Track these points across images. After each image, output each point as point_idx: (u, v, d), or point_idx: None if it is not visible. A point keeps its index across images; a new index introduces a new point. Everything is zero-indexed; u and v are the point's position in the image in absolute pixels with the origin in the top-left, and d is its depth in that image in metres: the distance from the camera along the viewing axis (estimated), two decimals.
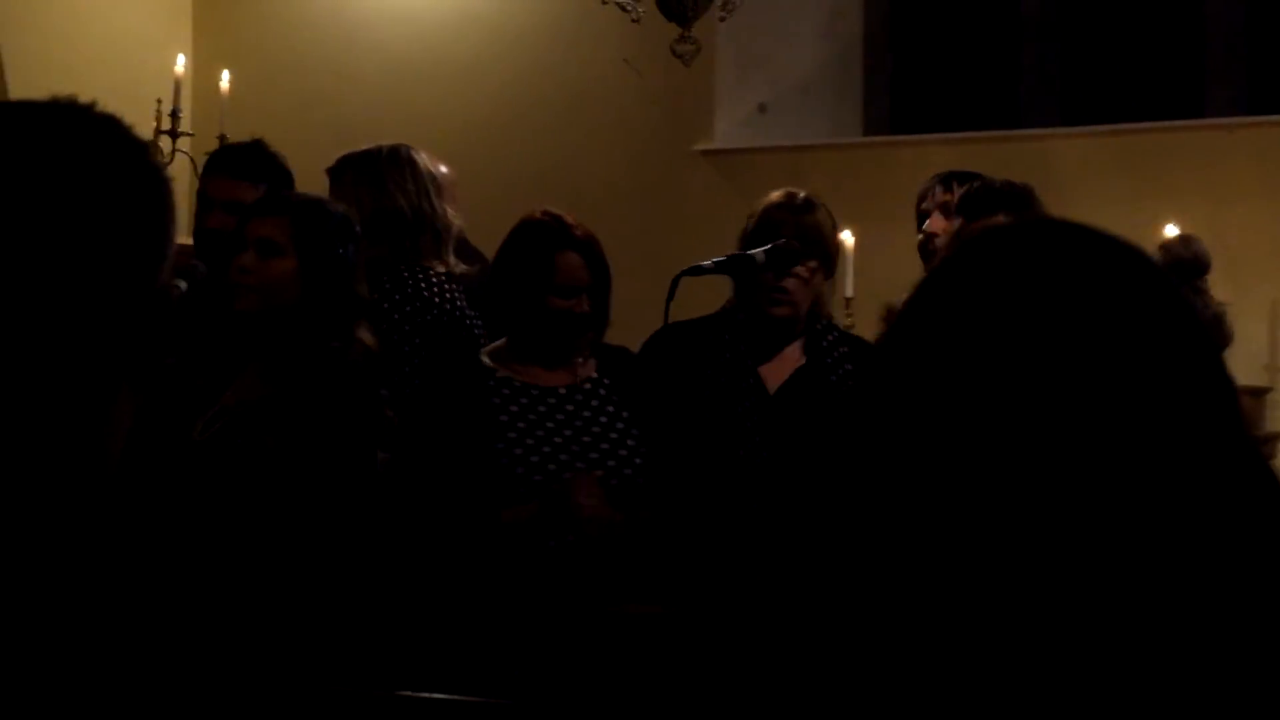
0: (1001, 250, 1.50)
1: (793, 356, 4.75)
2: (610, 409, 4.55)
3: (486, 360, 4.58)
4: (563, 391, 4.54)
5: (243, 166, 5.16)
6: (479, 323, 4.96)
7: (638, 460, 4.48)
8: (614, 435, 4.51)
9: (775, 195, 4.83)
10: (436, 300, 4.92)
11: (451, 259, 5.04)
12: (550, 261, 4.52)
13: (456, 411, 4.49)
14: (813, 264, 4.73)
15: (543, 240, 4.56)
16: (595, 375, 4.60)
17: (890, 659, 1.42)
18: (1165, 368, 1.44)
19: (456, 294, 4.97)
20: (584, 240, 4.57)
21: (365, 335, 4.38)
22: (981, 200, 4.67)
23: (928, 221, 5.31)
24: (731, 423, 4.64)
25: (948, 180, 5.19)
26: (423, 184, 4.99)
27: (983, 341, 1.45)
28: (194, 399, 4.36)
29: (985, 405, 1.43)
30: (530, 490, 4.40)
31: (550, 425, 4.49)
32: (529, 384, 4.54)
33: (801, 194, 4.82)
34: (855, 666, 1.43)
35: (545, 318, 4.53)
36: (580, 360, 4.60)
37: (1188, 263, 4.36)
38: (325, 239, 4.36)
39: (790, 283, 4.68)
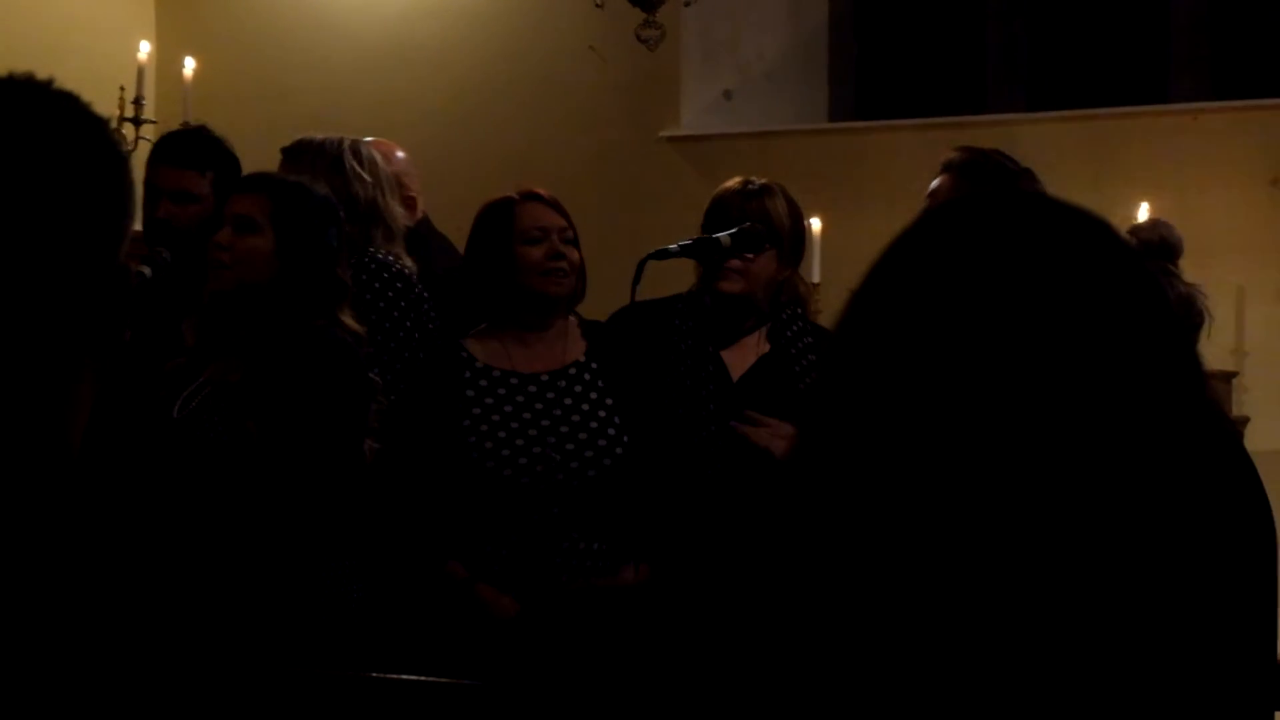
0: (960, 222, 1.47)
1: (757, 344, 4.74)
2: (594, 395, 4.50)
3: (468, 349, 4.55)
4: (545, 378, 4.49)
5: (188, 155, 5.14)
6: (430, 319, 4.95)
7: (618, 450, 4.45)
8: (594, 424, 4.46)
9: (730, 182, 4.82)
10: (414, 280, 4.94)
11: (401, 255, 5.04)
12: (510, 213, 4.53)
13: (431, 404, 4.47)
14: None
15: (501, 203, 4.57)
16: (583, 358, 4.55)
17: (852, 639, 1.40)
18: (1128, 341, 1.41)
19: (410, 289, 4.97)
20: (551, 198, 4.58)
21: (349, 319, 4.36)
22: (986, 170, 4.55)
23: None
24: (693, 408, 4.62)
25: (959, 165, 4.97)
26: (379, 179, 5.00)
27: (940, 316, 1.41)
28: (168, 382, 4.34)
29: (941, 381, 1.40)
30: (501, 486, 4.38)
31: (527, 416, 4.44)
32: (509, 371, 4.50)
33: (759, 181, 4.81)
34: (815, 649, 1.41)
35: (515, 270, 4.51)
36: (564, 335, 4.57)
37: (1154, 245, 4.33)
38: (304, 218, 4.34)
39: (734, 263, 4.66)
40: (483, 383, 4.47)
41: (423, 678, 3.83)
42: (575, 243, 4.55)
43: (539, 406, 4.45)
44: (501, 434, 4.40)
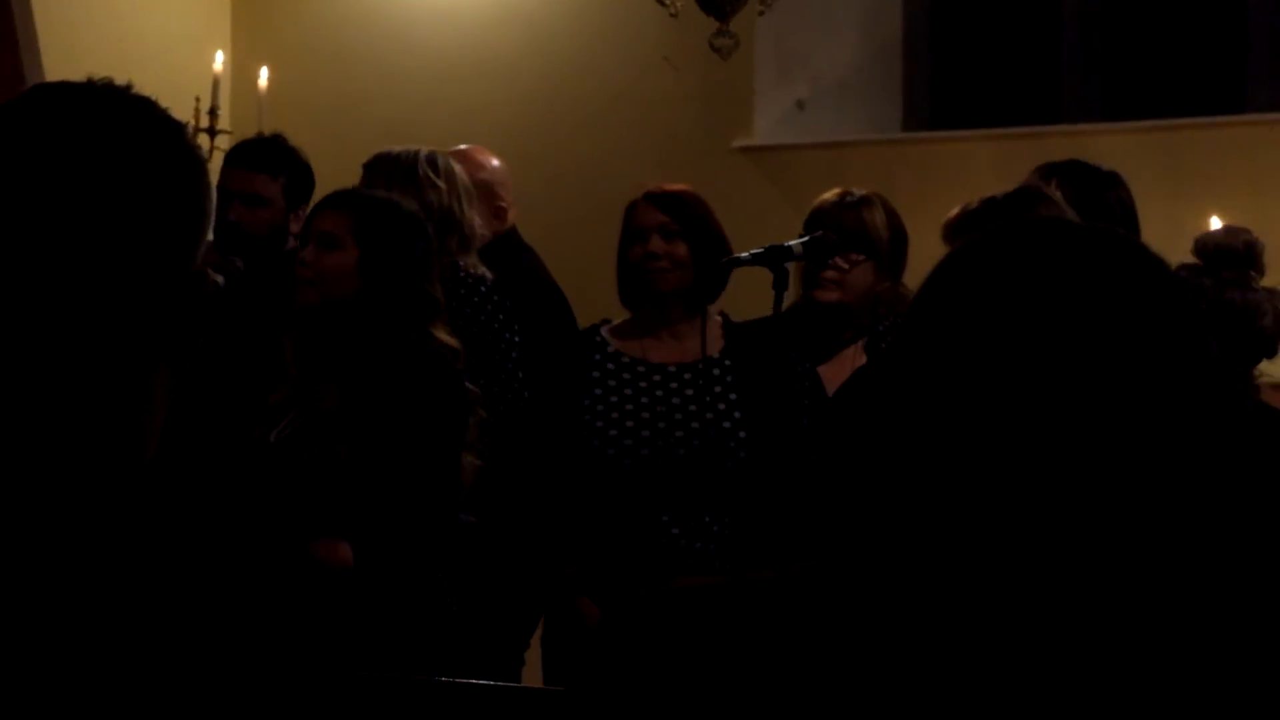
0: (987, 254, 1.53)
1: (854, 357, 4.74)
2: (718, 389, 4.53)
3: (605, 335, 4.64)
4: (672, 369, 4.55)
5: (260, 159, 5.23)
6: (509, 325, 4.96)
7: (730, 444, 4.46)
8: (709, 416, 4.49)
9: (829, 193, 4.84)
10: (474, 300, 4.93)
11: (476, 264, 5.05)
12: (627, 214, 4.65)
13: (560, 386, 4.55)
14: (856, 257, 4.72)
15: (629, 205, 4.69)
16: (717, 355, 4.60)
17: (897, 649, 1.44)
18: (1154, 359, 1.46)
19: (489, 296, 4.97)
20: (663, 193, 4.64)
21: (442, 334, 4.39)
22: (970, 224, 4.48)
23: None
24: (790, 422, 4.61)
25: (1048, 174, 4.78)
26: (455, 187, 5.02)
27: (971, 342, 1.48)
28: (250, 391, 4.39)
29: (975, 404, 1.46)
30: (605, 468, 4.43)
31: (645, 401, 4.50)
32: (638, 359, 4.57)
33: (859, 192, 4.82)
34: (863, 655, 1.44)
35: (622, 272, 4.62)
36: (702, 331, 4.60)
37: (1209, 254, 4.23)
38: (389, 234, 4.37)
39: (829, 274, 4.67)
40: (610, 366, 4.56)
41: (455, 680, 3.83)
42: (686, 236, 4.59)
43: (659, 394, 4.51)
44: (614, 415, 4.48)
